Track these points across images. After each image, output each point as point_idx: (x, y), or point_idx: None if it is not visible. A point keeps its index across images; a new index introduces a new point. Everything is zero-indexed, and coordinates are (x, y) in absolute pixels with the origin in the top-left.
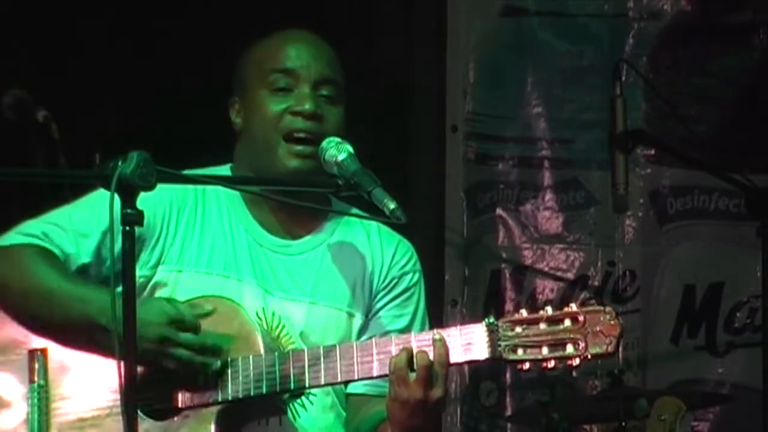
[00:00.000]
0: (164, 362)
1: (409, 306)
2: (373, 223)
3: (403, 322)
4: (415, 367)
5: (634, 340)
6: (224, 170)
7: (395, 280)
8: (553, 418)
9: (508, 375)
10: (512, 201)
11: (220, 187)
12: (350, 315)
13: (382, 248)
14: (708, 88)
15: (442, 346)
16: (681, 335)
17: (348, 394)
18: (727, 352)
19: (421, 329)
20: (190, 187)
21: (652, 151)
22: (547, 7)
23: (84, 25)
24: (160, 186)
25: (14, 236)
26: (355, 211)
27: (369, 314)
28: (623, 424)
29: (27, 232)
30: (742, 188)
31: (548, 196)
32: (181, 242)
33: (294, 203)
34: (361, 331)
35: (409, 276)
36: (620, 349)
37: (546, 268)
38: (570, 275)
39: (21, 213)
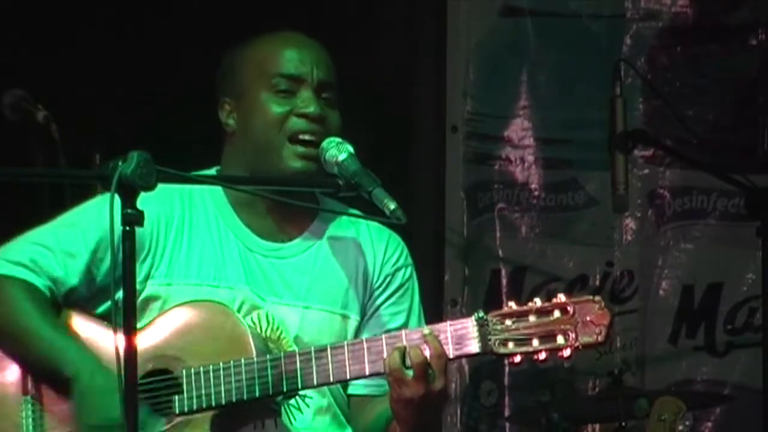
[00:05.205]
0: None
1: (405, 302)
2: (362, 220)
3: (401, 319)
4: (408, 364)
5: (632, 341)
6: (210, 173)
7: (389, 277)
8: (553, 418)
9: (508, 375)
10: (512, 201)
11: (207, 194)
12: (344, 317)
13: (373, 245)
14: (707, 89)
15: (434, 339)
16: (679, 335)
17: (350, 395)
18: (727, 352)
19: (419, 323)
20: (176, 196)
21: (650, 152)
22: (546, 7)
23: (84, 25)
24: (146, 196)
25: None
26: (352, 210)
27: (365, 314)
28: (623, 424)
29: (13, 259)
30: (742, 188)
31: (547, 196)
32: (169, 256)
33: (290, 202)
34: (358, 332)
35: (402, 271)
36: (618, 346)
37: (545, 268)
38: (569, 275)
39: (21, 214)
